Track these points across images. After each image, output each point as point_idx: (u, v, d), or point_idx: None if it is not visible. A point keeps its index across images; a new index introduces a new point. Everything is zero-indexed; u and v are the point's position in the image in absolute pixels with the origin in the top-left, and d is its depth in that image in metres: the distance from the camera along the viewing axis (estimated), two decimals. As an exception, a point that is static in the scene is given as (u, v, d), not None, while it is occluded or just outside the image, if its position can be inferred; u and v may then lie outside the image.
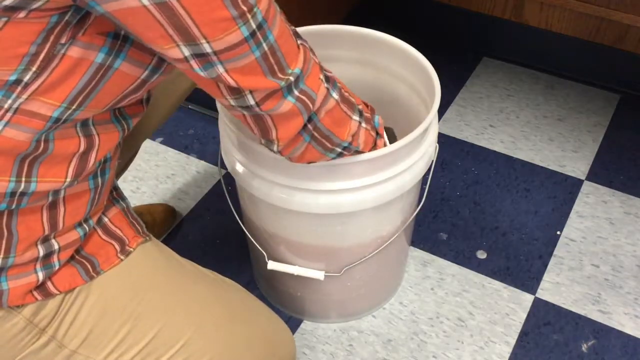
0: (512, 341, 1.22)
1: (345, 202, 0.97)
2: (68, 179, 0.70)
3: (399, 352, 1.21)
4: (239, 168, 1.01)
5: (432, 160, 1.07)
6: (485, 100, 1.71)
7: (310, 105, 0.75)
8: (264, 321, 0.90)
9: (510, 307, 1.28)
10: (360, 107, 0.86)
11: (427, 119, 0.96)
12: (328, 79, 0.78)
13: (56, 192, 0.71)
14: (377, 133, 0.90)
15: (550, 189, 1.49)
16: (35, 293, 0.74)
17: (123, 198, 0.85)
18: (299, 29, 1.12)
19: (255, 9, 0.62)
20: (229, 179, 1.12)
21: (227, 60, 0.64)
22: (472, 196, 1.48)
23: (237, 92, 0.68)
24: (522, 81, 1.76)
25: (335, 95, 0.79)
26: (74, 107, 0.65)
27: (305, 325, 1.26)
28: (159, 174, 1.55)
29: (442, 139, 1.60)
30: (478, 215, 1.44)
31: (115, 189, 0.85)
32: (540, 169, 1.54)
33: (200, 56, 0.63)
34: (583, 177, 1.51)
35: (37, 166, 0.67)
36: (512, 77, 1.77)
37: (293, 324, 1.26)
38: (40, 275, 0.73)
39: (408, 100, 1.15)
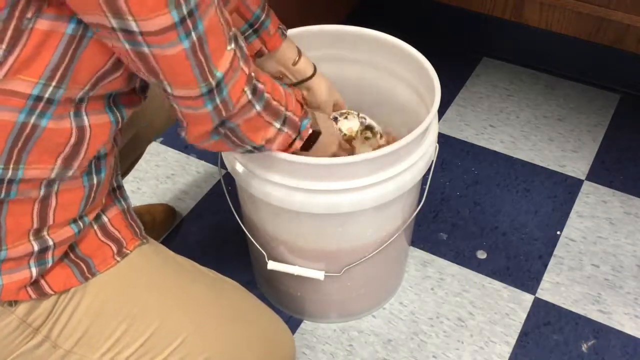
0: (512, 341, 1.22)
1: (345, 202, 0.97)
2: (56, 167, 0.69)
3: (399, 352, 1.21)
4: (239, 168, 1.01)
5: (432, 160, 1.07)
6: (485, 100, 1.71)
7: (224, 113, 0.75)
8: (263, 321, 0.90)
9: (510, 307, 1.28)
10: (289, 113, 0.85)
11: (427, 119, 0.96)
12: (255, 91, 0.78)
13: (49, 186, 0.70)
14: (300, 134, 0.90)
15: (550, 189, 1.49)
16: (29, 290, 0.74)
17: (125, 198, 0.85)
18: (299, 29, 1.12)
19: None
20: (229, 179, 1.12)
21: (154, 44, 0.63)
22: (472, 196, 1.48)
23: (156, 77, 0.68)
24: (522, 81, 1.76)
25: (258, 107, 0.79)
26: (53, 83, 0.64)
27: (305, 325, 1.26)
28: (159, 174, 1.55)
29: (442, 139, 1.60)
30: (478, 215, 1.44)
31: (119, 187, 0.84)
32: (540, 169, 1.54)
33: (127, 32, 0.61)
34: (583, 177, 1.52)
35: (26, 155, 0.67)
36: (512, 77, 1.77)
37: (293, 324, 1.26)
38: (34, 271, 0.73)
39: (408, 100, 1.15)
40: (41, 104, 0.65)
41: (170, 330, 0.79)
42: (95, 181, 0.75)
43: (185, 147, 1.60)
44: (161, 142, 1.62)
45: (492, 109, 1.69)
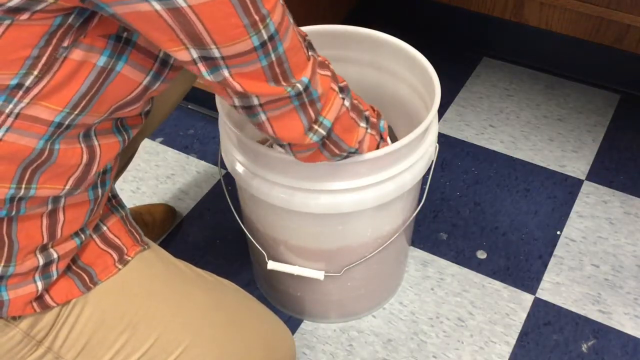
0: (512, 341, 1.22)
1: (346, 202, 0.97)
2: (67, 187, 0.70)
3: (399, 352, 1.21)
4: (239, 168, 1.01)
5: (432, 160, 1.07)
6: (485, 100, 1.71)
7: (312, 114, 0.76)
8: (263, 323, 0.90)
9: (510, 307, 1.28)
10: (367, 112, 0.88)
11: (427, 119, 0.96)
12: (342, 89, 0.81)
13: (56, 201, 0.70)
14: (382, 137, 0.93)
15: (550, 189, 1.49)
16: (34, 304, 0.74)
17: (122, 206, 0.85)
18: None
19: (268, 20, 0.63)
20: (229, 179, 1.12)
21: (233, 65, 0.65)
22: (472, 196, 1.48)
23: (243, 95, 0.69)
24: (522, 81, 1.76)
25: (347, 103, 0.82)
26: (76, 111, 0.65)
27: (305, 325, 1.26)
28: (159, 174, 1.55)
29: (442, 139, 1.60)
30: (478, 215, 1.44)
31: (115, 196, 0.85)
32: (540, 169, 1.54)
33: (208, 59, 0.64)
34: (583, 177, 1.52)
35: (38, 175, 0.67)
36: (512, 77, 1.77)
37: (293, 324, 1.26)
38: (40, 285, 0.73)
39: (408, 100, 1.15)
40: (60, 130, 0.65)
41: (171, 338, 0.79)
42: (100, 193, 0.76)
43: (185, 147, 1.60)
44: (161, 142, 1.62)
45: (492, 109, 1.69)
